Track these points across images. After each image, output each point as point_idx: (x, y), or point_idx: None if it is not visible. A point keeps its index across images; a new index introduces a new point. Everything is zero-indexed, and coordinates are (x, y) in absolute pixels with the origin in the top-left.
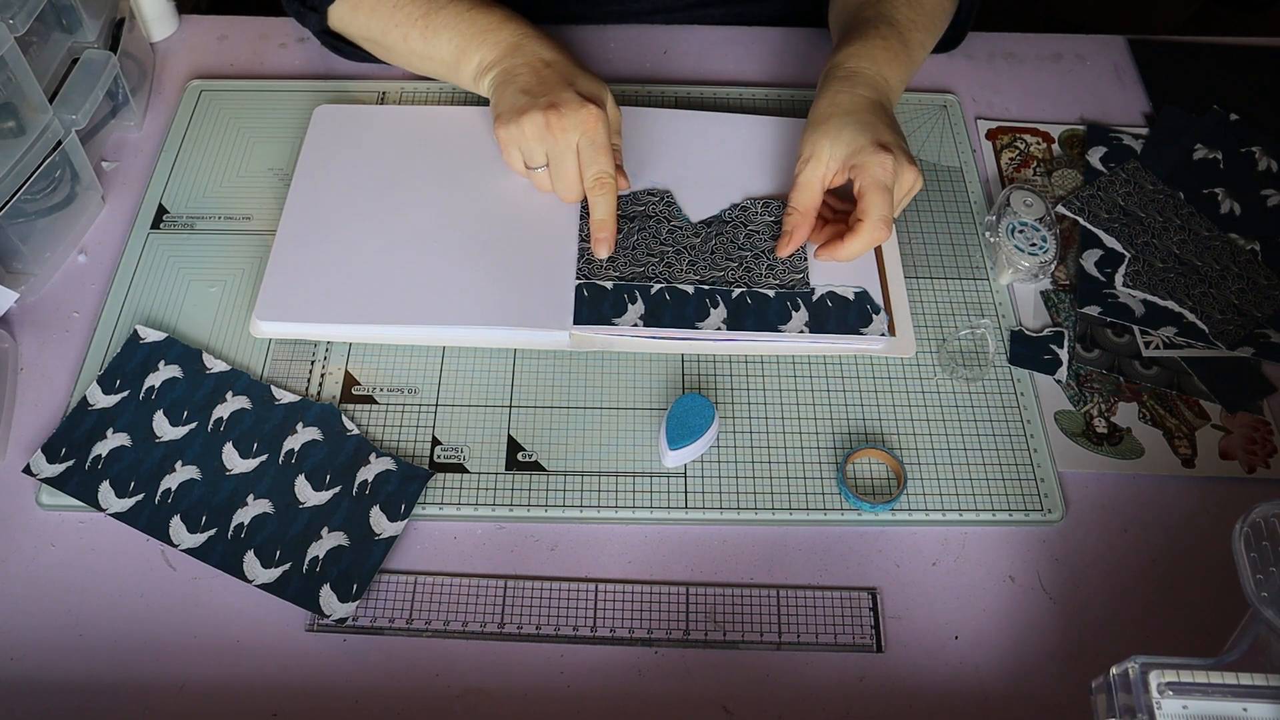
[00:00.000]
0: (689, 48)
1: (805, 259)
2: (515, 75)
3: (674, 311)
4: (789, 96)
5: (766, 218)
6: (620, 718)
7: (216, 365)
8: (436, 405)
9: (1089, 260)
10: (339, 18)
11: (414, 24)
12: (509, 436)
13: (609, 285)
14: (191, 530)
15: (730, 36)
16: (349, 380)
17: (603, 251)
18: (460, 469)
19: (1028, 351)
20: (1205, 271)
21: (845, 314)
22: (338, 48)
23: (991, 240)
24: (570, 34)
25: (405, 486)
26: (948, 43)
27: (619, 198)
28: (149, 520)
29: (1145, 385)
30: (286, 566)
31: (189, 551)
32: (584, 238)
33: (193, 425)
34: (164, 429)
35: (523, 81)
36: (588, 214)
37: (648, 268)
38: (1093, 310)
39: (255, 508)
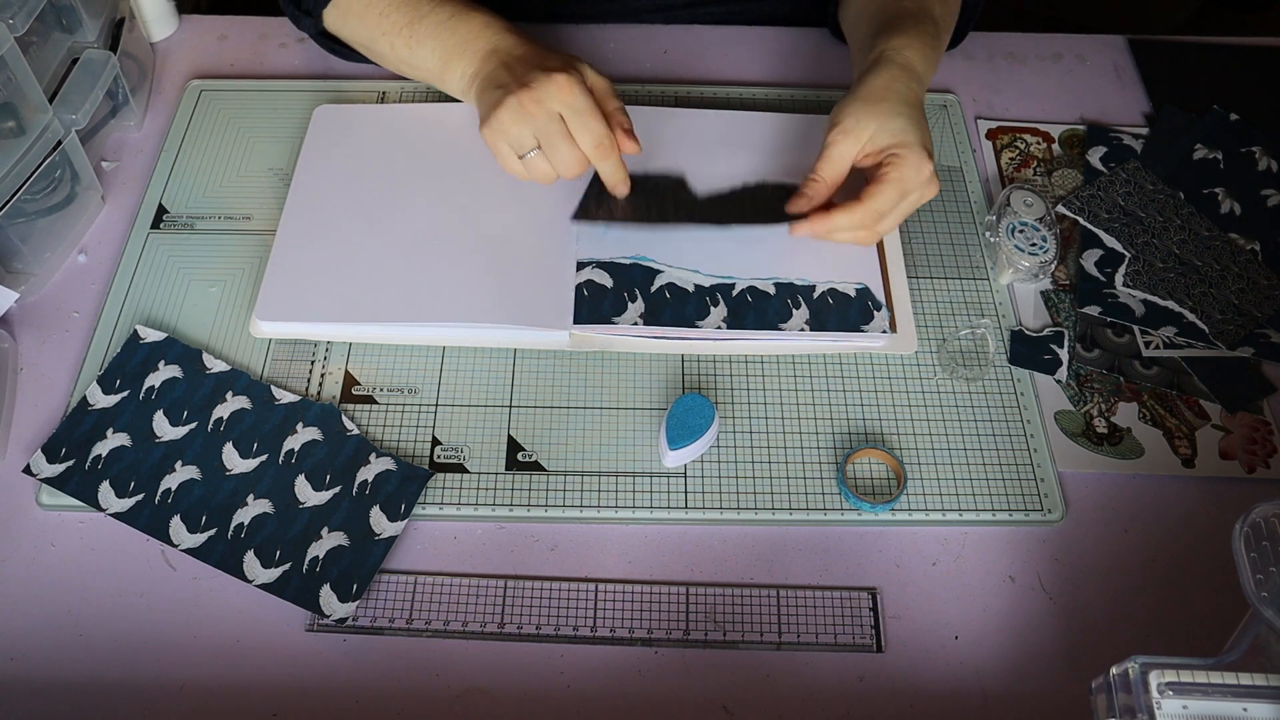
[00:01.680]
0: (689, 48)
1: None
2: (491, 77)
3: (674, 310)
4: (789, 96)
5: (775, 199)
6: (620, 718)
7: (216, 365)
8: (436, 405)
9: (1089, 260)
10: (332, 22)
11: (399, 33)
12: (509, 436)
13: (609, 284)
14: (191, 530)
15: (730, 36)
16: (349, 380)
17: (622, 190)
18: (460, 469)
19: (1028, 351)
20: (1205, 271)
21: (846, 311)
22: (335, 50)
23: (991, 240)
24: (570, 34)
25: (405, 486)
26: (949, 43)
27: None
28: (149, 520)
29: (1145, 385)
30: (286, 566)
31: (189, 551)
32: (587, 197)
33: (193, 425)
34: (164, 429)
35: (496, 79)
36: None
37: (651, 212)
38: (1093, 310)
39: (255, 508)
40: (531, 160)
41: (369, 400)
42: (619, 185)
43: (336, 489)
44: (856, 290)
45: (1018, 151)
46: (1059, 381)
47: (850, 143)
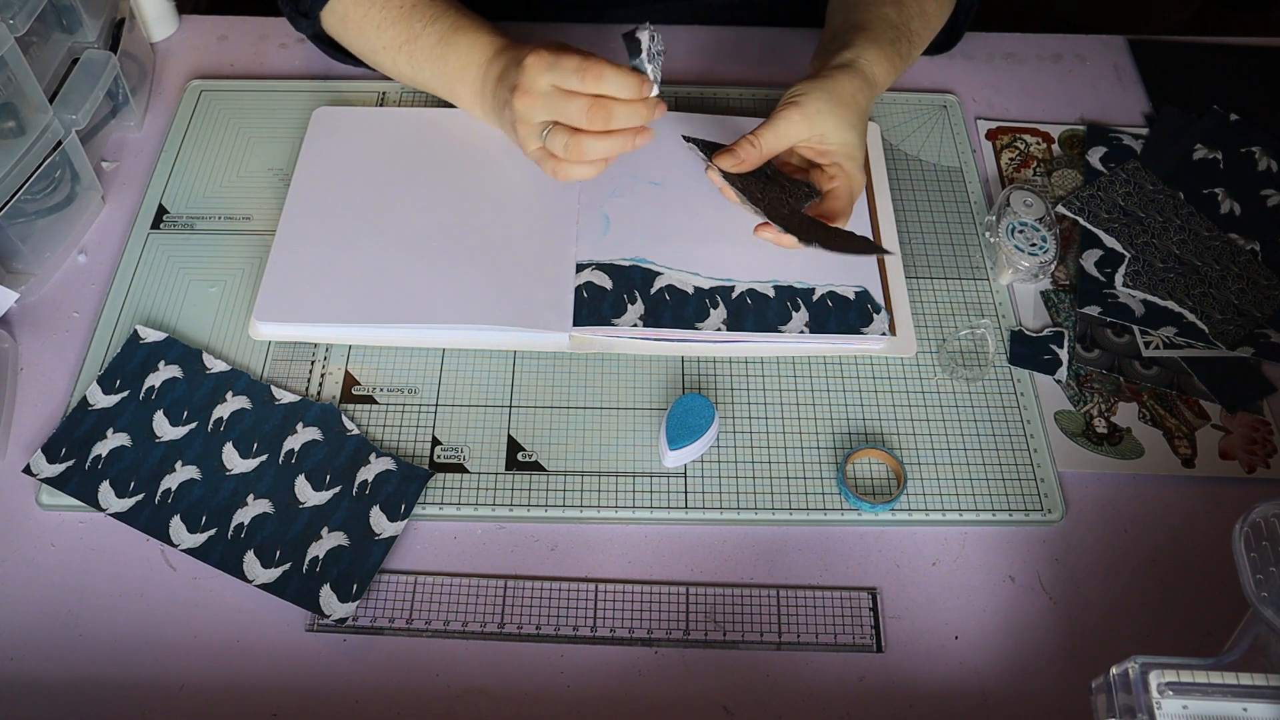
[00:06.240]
0: (689, 48)
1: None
2: (494, 103)
3: (674, 312)
4: None
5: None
6: (620, 718)
7: (216, 365)
8: (436, 405)
9: (1089, 260)
10: (331, 26)
11: (399, 49)
12: (509, 436)
13: (608, 285)
14: (191, 530)
15: (730, 36)
16: (349, 380)
17: (647, 91)
18: (460, 469)
19: (1028, 351)
20: (1205, 271)
21: (846, 313)
22: (333, 53)
23: (991, 240)
24: (572, 34)
25: (405, 486)
26: (942, 45)
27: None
28: (149, 520)
29: (1145, 385)
30: (286, 566)
31: (189, 551)
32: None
33: (193, 425)
34: (164, 429)
35: (500, 98)
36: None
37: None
38: (1093, 310)
39: (255, 508)
40: (550, 137)
41: (369, 400)
42: (643, 92)
43: (336, 489)
44: (856, 293)
45: (1018, 152)
46: (1059, 381)
47: (802, 127)
